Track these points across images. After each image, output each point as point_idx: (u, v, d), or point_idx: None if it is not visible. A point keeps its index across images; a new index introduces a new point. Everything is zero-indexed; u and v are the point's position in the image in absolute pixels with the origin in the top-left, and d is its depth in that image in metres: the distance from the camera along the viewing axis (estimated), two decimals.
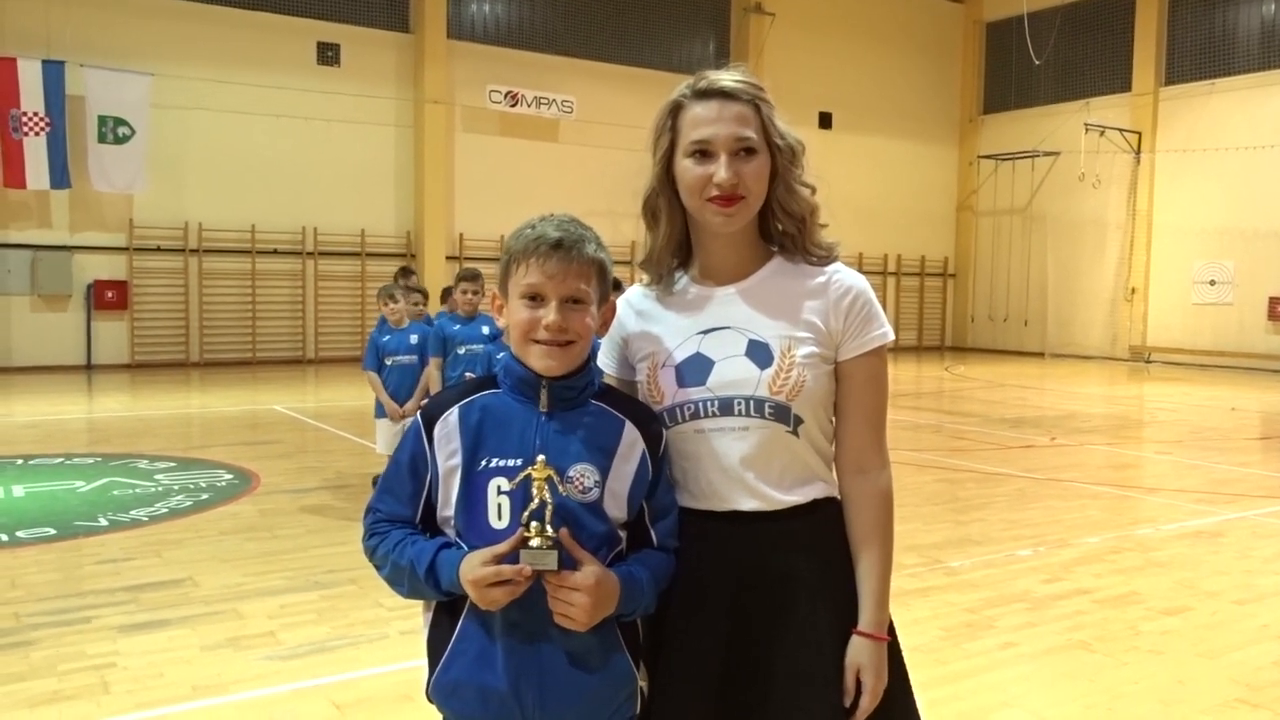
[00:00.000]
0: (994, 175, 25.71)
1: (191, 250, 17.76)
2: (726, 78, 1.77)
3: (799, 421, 1.75)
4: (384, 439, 6.62)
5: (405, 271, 7.88)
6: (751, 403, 1.73)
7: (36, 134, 16.11)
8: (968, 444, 10.10)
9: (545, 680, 1.63)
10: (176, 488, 7.38)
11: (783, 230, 1.84)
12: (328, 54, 18.71)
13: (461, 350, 6.02)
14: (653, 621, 1.79)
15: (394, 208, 19.63)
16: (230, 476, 7.83)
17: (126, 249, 17.29)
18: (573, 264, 1.67)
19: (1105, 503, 7.58)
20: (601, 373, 1.84)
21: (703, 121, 1.74)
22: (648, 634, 1.79)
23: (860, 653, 1.75)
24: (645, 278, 1.93)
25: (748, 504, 1.75)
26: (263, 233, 18.25)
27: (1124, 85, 22.94)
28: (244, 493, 7.30)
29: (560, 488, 1.62)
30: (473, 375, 5.99)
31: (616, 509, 1.68)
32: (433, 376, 6.06)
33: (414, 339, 6.48)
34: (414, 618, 4.66)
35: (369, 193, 19.22)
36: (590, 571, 1.58)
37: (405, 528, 1.72)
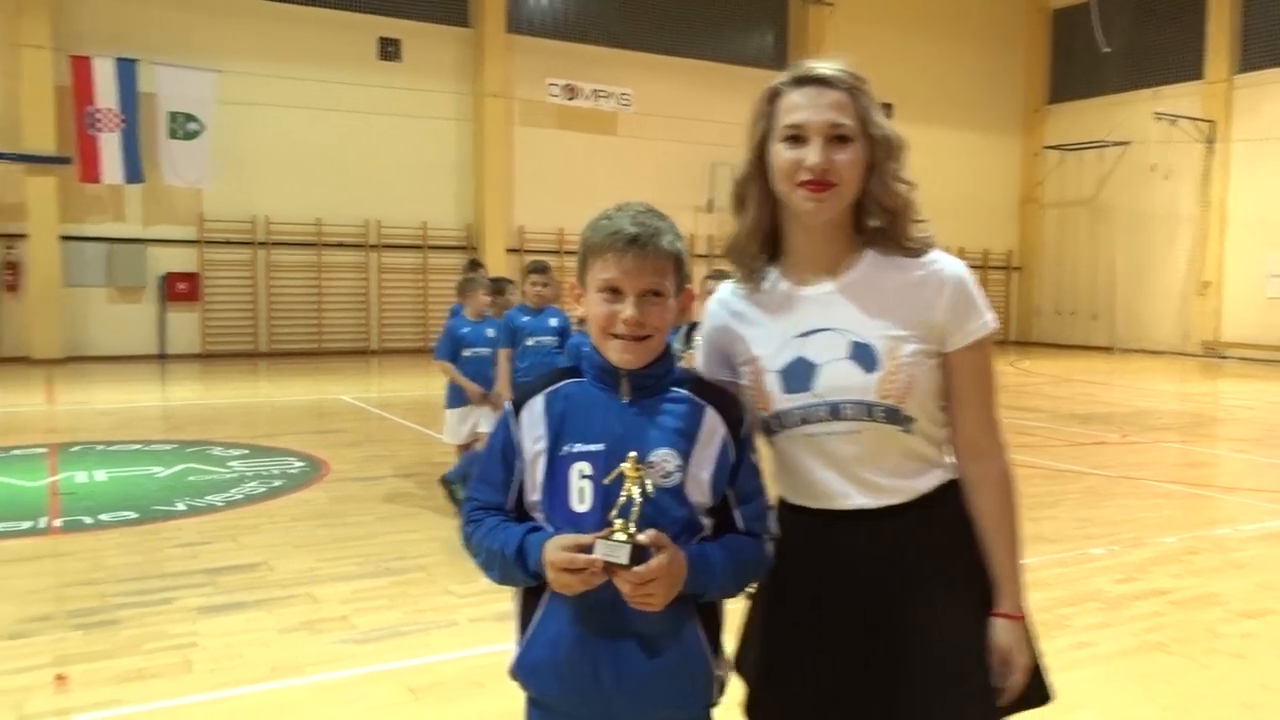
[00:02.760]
0: (1060, 166, 25.20)
1: (259, 243, 18.12)
2: (825, 65, 1.75)
3: (910, 420, 1.73)
4: (451, 429, 6.69)
5: (474, 264, 7.95)
6: (861, 407, 1.71)
7: (111, 130, 16.54)
8: (1036, 440, 9.93)
9: (622, 662, 1.65)
10: (250, 474, 7.55)
11: (876, 225, 1.79)
12: (389, 49, 18.94)
13: (530, 342, 6.06)
14: (765, 622, 1.79)
15: (455, 201, 19.83)
16: (301, 464, 7.99)
17: (197, 242, 17.70)
18: (649, 259, 1.68)
19: (1180, 502, 7.41)
20: (676, 353, 1.83)
21: (798, 107, 1.72)
22: (761, 636, 1.79)
23: (1004, 634, 1.75)
24: (734, 274, 1.91)
25: (864, 501, 1.74)
26: (328, 226, 18.55)
27: (1195, 73, 22.32)
28: (314, 480, 7.45)
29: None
30: (521, 366, 6.05)
31: (699, 494, 1.69)
32: (502, 368, 6.12)
33: (490, 332, 6.53)
34: (483, 605, 4.74)
35: (430, 186, 19.44)
36: (658, 562, 1.57)
37: (498, 514, 1.75)
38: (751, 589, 1.86)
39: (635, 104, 20.84)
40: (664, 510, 1.65)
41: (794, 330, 1.77)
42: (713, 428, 1.71)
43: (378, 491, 7.16)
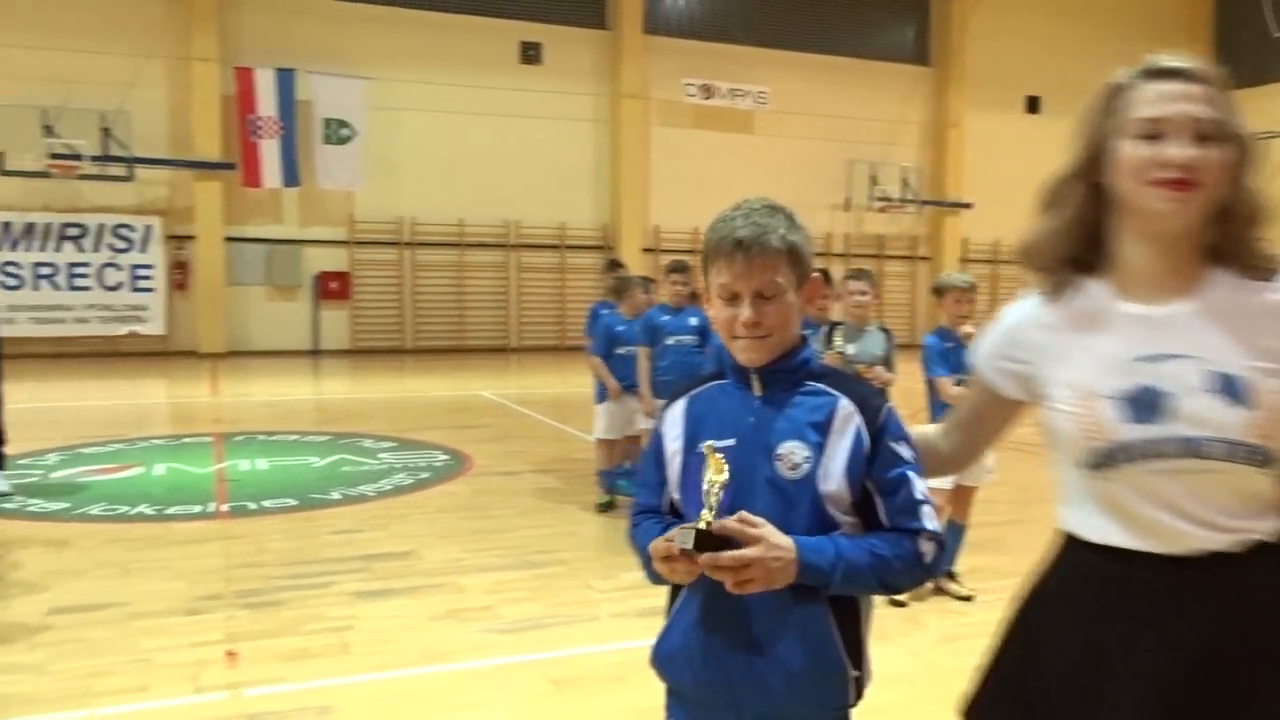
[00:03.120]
0: None
1: (405, 243, 18.82)
2: (1183, 59, 1.58)
3: (1273, 462, 1.53)
4: (602, 424, 6.75)
5: (614, 264, 8.06)
6: (1227, 445, 1.51)
7: (270, 137, 17.47)
8: None
9: (746, 654, 1.67)
10: (398, 466, 7.87)
11: (1223, 238, 1.59)
12: (530, 53, 19.38)
13: (670, 341, 6.11)
14: (1028, 674, 1.67)
15: (592, 201, 20.13)
16: (446, 457, 8.27)
17: (348, 242, 18.52)
18: (756, 260, 1.67)
19: None
20: (816, 352, 1.80)
21: (1155, 99, 1.55)
22: (1023, 688, 1.67)
23: None
24: (1036, 281, 1.72)
25: (1203, 542, 1.52)
26: (470, 226, 19.12)
27: None
28: (459, 473, 7.70)
29: (771, 465, 1.66)
30: (661, 364, 6.09)
31: (832, 485, 1.67)
32: (642, 366, 6.19)
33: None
34: (623, 601, 4.82)
35: (568, 187, 19.79)
36: (733, 554, 1.55)
37: (654, 516, 1.80)
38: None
39: (772, 102, 20.71)
40: (794, 503, 1.65)
41: (1132, 353, 1.58)
42: (847, 417, 1.68)
43: (518, 486, 7.34)
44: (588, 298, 19.46)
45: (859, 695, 1.74)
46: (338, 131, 17.97)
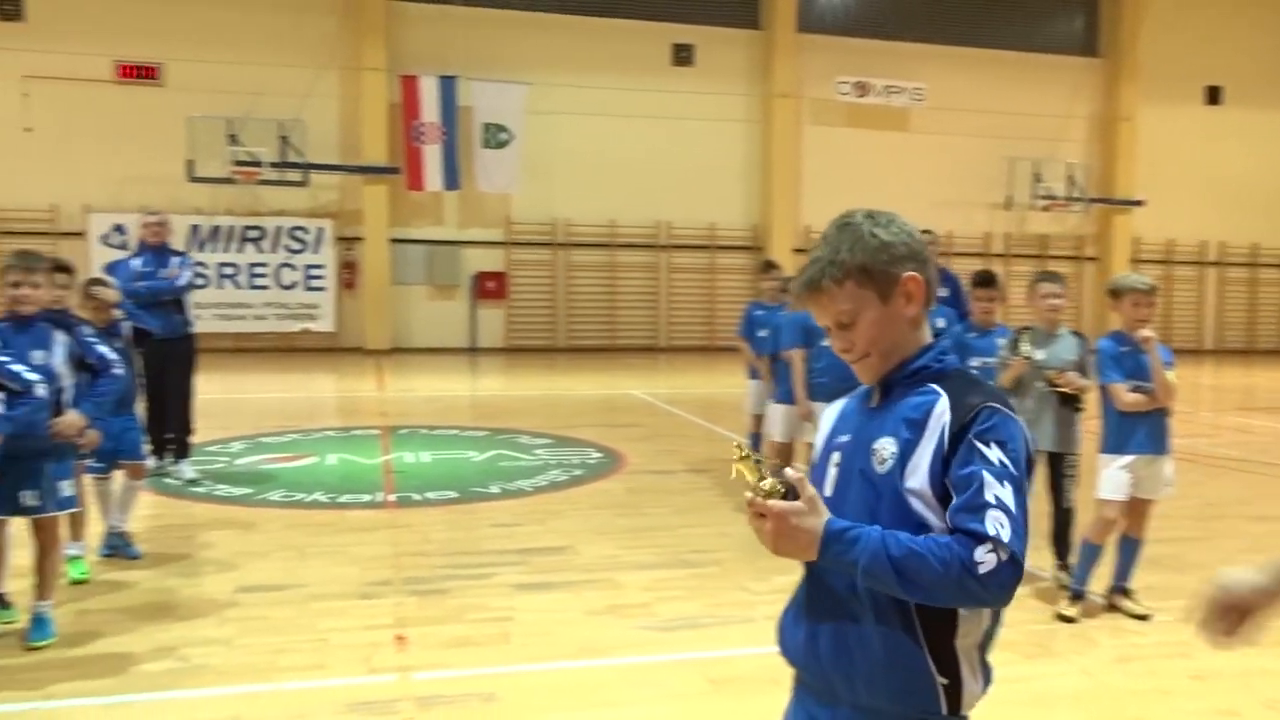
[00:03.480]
0: None
1: (559, 244, 19.23)
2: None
3: None
4: (778, 424, 6.58)
5: (769, 264, 8.01)
6: None
7: (433, 142, 18.16)
8: None
9: (832, 638, 1.70)
10: (554, 462, 8.05)
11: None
12: (682, 54, 19.48)
13: (826, 341, 6.03)
14: None
15: (742, 202, 20.08)
16: (599, 455, 8.41)
17: (504, 243, 19.06)
18: (821, 300, 1.75)
19: None
20: (944, 354, 1.76)
21: None
22: None
23: None
24: None
25: None
26: (621, 227, 19.38)
27: None
28: (612, 471, 7.82)
29: (866, 459, 1.70)
30: (816, 366, 6.03)
31: (918, 482, 1.63)
32: (796, 367, 6.13)
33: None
34: (779, 603, 4.75)
35: (718, 188, 19.79)
36: (784, 506, 1.60)
37: None
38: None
39: (929, 98, 20.17)
40: (881, 496, 1.66)
41: None
42: (940, 414, 1.65)
43: (671, 485, 7.40)
44: (737, 298, 19.44)
45: (955, 706, 1.67)
46: (496, 136, 18.52)
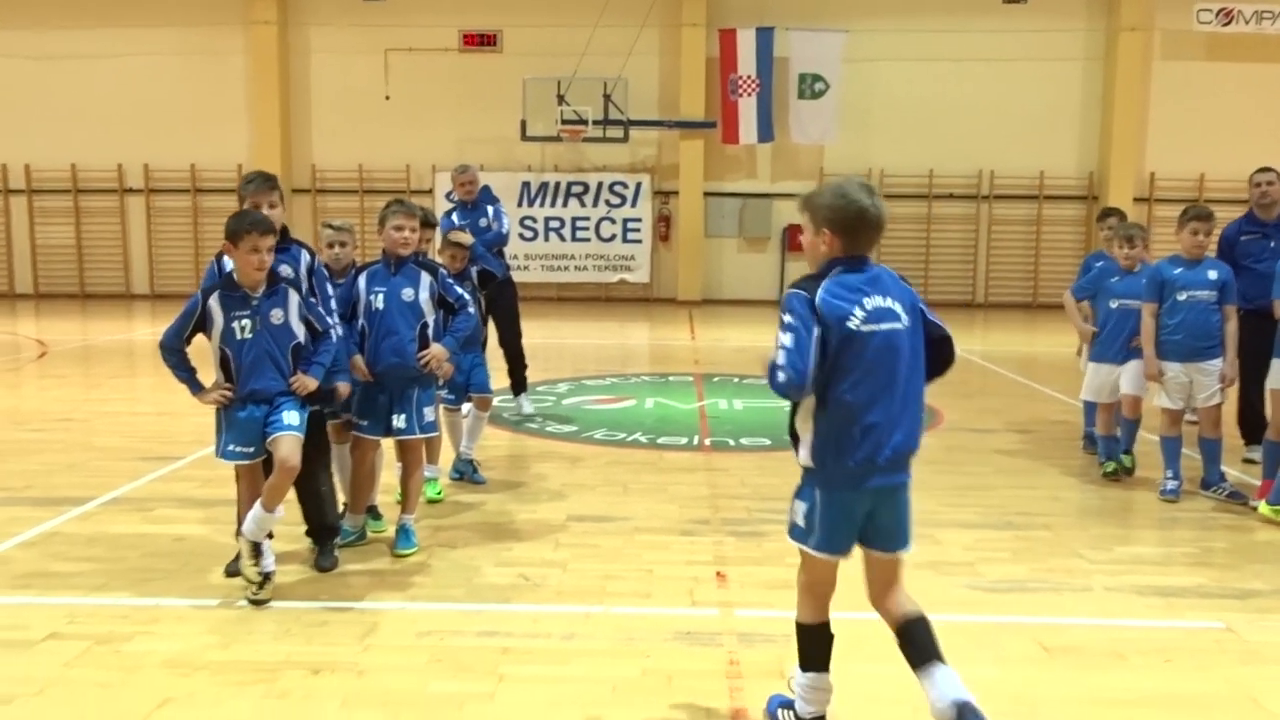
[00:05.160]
0: None
1: None
2: None
3: None
4: (1088, 384, 6.21)
5: (1109, 212, 7.30)
6: None
7: (748, 95, 18.17)
8: None
9: None
10: None
11: None
12: None
13: (1182, 297, 5.44)
14: None
15: (1076, 148, 18.54)
16: None
17: None
18: None
19: None
20: None
21: None
22: None
23: None
24: None
25: None
26: (939, 177, 18.52)
27: None
28: (929, 428, 7.55)
29: None
30: (1170, 322, 5.43)
31: None
32: (1146, 324, 5.57)
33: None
34: (1118, 575, 4.44)
35: (1049, 133, 18.38)
36: None
37: None
38: None
39: None
40: None
41: None
42: None
43: (991, 444, 7.04)
44: (1066, 252, 18.06)
45: None
46: (812, 86, 18.23)
